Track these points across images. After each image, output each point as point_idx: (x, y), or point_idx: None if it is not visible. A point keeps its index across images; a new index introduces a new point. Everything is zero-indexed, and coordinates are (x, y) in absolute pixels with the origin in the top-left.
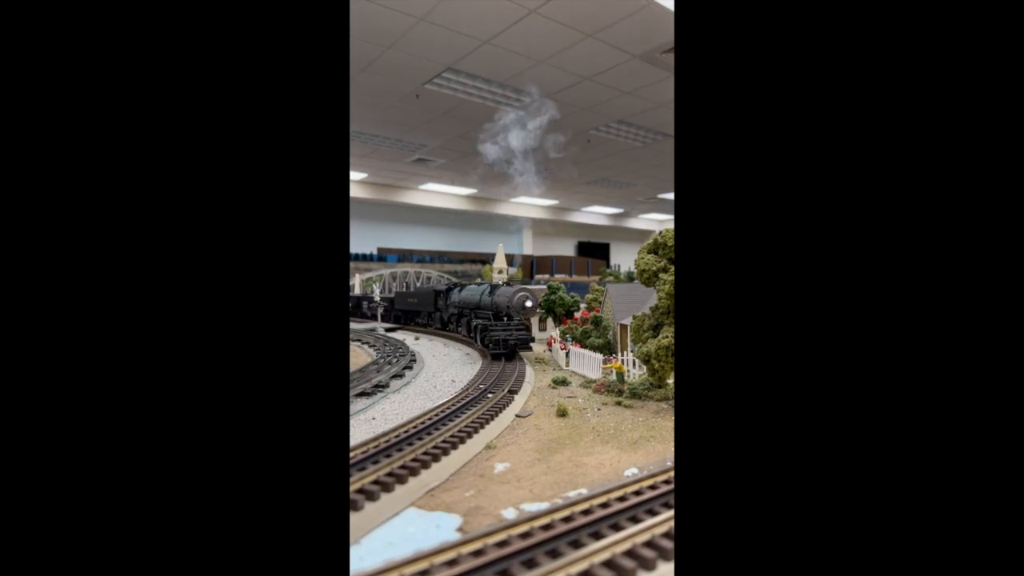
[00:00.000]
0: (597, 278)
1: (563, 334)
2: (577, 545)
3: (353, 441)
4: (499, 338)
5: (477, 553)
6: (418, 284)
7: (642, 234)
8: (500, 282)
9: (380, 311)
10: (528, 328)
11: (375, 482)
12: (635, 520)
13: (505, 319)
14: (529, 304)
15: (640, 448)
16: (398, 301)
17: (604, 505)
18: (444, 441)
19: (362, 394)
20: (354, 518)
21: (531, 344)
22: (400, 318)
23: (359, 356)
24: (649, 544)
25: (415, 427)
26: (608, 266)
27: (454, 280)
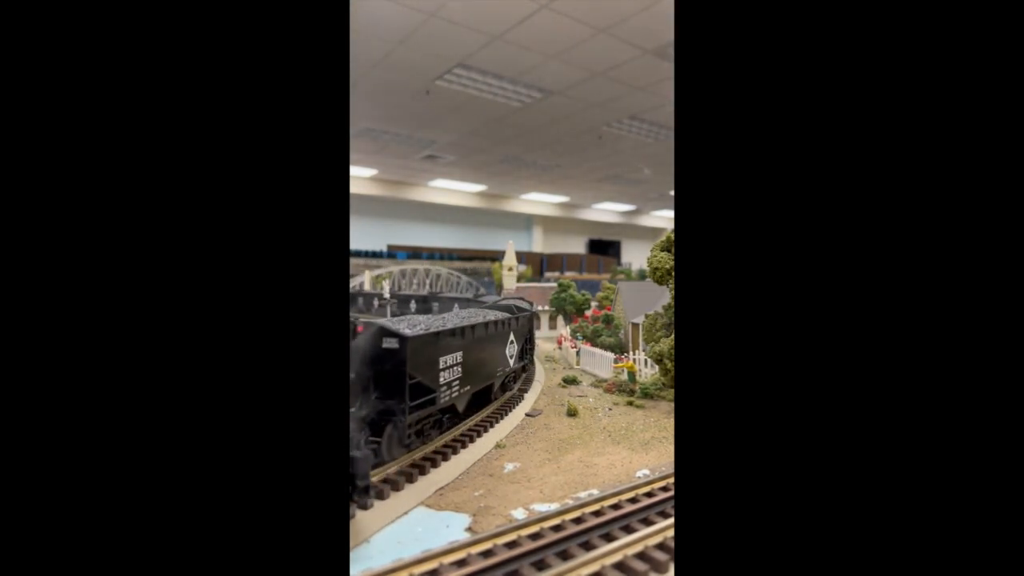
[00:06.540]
0: (608, 276)
1: (573, 332)
2: (588, 547)
3: None
4: None
5: (486, 554)
6: (427, 281)
7: (653, 232)
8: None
9: (390, 309)
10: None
11: (384, 480)
12: (647, 522)
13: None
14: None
15: (652, 449)
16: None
17: (615, 506)
18: (454, 439)
19: None
20: (362, 517)
21: None
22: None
23: None
24: (661, 547)
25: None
26: (619, 264)
27: (463, 277)
